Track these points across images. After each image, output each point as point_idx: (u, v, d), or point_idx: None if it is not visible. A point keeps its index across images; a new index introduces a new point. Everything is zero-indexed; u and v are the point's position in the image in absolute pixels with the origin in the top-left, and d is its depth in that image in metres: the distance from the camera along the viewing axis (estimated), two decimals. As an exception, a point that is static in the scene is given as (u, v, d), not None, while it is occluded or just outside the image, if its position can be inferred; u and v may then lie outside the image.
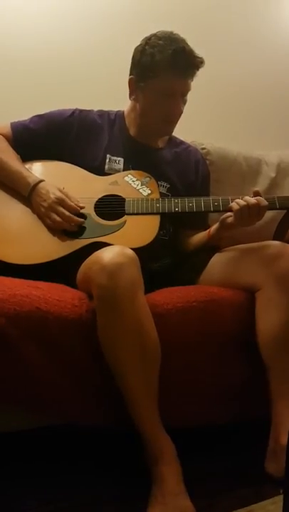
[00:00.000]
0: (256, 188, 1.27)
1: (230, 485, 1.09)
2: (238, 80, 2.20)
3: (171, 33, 1.33)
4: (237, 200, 1.24)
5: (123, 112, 1.48)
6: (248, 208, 1.21)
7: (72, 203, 1.25)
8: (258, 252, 1.20)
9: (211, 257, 1.33)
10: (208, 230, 1.38)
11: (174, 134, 1.54)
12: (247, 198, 1.23)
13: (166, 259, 1.38)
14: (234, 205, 1.23)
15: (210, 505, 1.01)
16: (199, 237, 1.43)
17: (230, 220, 1.27)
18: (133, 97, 1.41)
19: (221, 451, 1.22)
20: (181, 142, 1.56)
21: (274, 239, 1.38)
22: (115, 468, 1.14)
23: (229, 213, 1.27)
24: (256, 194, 1.24)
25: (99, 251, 1.06)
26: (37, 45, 1.87)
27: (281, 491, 0.95)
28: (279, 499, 0.95)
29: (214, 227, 1.35)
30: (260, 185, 1.87)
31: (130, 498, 1.02)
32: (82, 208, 1.27)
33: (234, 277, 1.24)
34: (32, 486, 1.07)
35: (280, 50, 2.28)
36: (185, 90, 1.36)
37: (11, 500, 1.02)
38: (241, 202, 1.22)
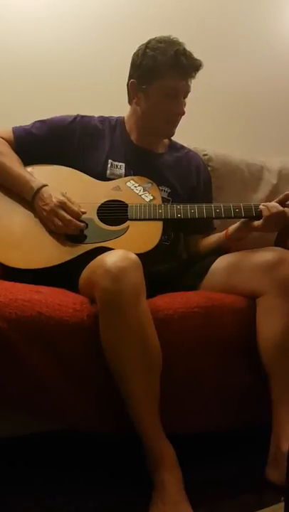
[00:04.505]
0: None
1: (231, 492, 1.08)
2: (239, 87, 2.21)
3: (169, 36, 1.36)
4: (269, 205, 1.24)
5: (123, 118, 1.50)
6: (277, 215, 1.22)
7: (74, 208, 1.26)
8: (259, 259, 1.20)
9: (212, 263, 1.33)
10: (225, 231, 1.38)
11: (176, 140, 1.55)
12: (275, 204, 1.24)
13: (166, 264, 1.38)
14: (265, 210, 1.24)
15: (210, 513, 1.01)
16: (214, 238, 1.43)
17: (256, 223, 1.27)
18: (134, 100, 1.42)
19: (222, 457, 1.22)
20: (182, 147, 1.57)
21: (275, 245, 1.38)
22: (117, 473, 1.14)
23: None
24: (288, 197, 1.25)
25: (102, 255, 1.06)
26: (38, 52, 1.89)
27: (282, 499, 0.95)
28: (280, 507, 0.94)
29: (233, 227, 1.35)
30: (262, 192, 1.88)
31: (132, 504, 1.02)
32: (84, 212, 1.27)
33: (235, 284, 1.24)
34: (34, 493, 1.07)
35: (281, 57, 2.29)
36: (186, 91, 1.38)
37: (13, 507, 1.01)
38: (273, 208, 1.23)
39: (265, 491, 1.05)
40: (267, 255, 1.18)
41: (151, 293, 1.13)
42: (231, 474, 1.15)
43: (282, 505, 0.92)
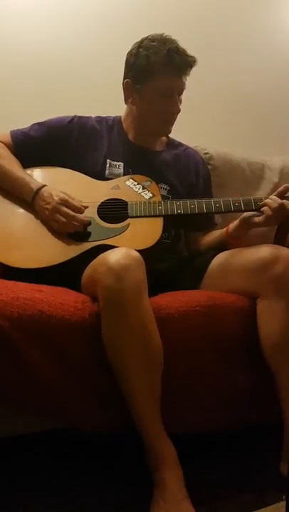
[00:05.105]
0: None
1: (232, 491, 1.08)
2: (240, 85, 2.21)
3: (162, 34, 1.35)
4: (268, 202, 1.23)
5: (120, 117, 1.49)
6: (278, 209, 1.21)
7: (76, 203, 1.26)
8: (252, 258, 1.17)
9: (211, 259, 1.31)
10: (225, 228, 1.37)
11: (177, 138, 1.55)
12: (275, 198, 1.22)
13: (166, 262, 1.38)
14: (266, 210, 1.22)
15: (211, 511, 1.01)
16: (214, 235, 1.43)
17: (257, 219, 1.25)
18: (130, 100, 1.42)
19: (223, 456, 1.21)
20: (180, 144, 1.57)
21: (276, 239, 1.37)
22: (120, 472, 1.14)
23: (252, 213, 1.26)
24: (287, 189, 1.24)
25: (105, 253, 1.06)
26: (38, 52, 1.89)
27: (284, 497, 0.94)
28: (282, 505, 0.94)
29: (233, 225, 1.33)
30: (263, 191, 1.87)
31: (133, 503, 1.02)
32: (86, 207, 1.27)
33: (233, 286, 1.22)
34: (37, 491, 1.07)
35: (283, 55, 2.30)
36: (181, 89, 1.37)
37: (13, 506, 1.01)
38: (273, 204, 1.21)
39: (266, 490, 1.05)
40: (260, 253, 1.16)
41: (151, 291, 1.13)
42: (232, 473, 1.15)
43: (283, 503, 0.92)
